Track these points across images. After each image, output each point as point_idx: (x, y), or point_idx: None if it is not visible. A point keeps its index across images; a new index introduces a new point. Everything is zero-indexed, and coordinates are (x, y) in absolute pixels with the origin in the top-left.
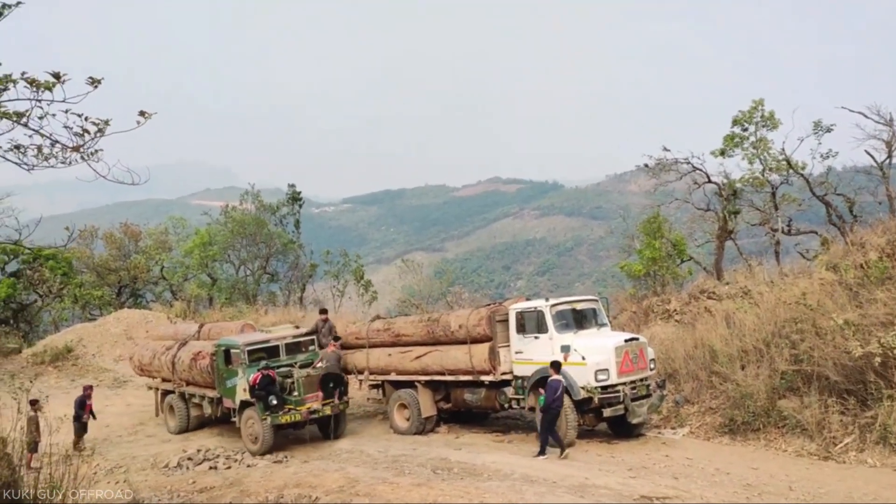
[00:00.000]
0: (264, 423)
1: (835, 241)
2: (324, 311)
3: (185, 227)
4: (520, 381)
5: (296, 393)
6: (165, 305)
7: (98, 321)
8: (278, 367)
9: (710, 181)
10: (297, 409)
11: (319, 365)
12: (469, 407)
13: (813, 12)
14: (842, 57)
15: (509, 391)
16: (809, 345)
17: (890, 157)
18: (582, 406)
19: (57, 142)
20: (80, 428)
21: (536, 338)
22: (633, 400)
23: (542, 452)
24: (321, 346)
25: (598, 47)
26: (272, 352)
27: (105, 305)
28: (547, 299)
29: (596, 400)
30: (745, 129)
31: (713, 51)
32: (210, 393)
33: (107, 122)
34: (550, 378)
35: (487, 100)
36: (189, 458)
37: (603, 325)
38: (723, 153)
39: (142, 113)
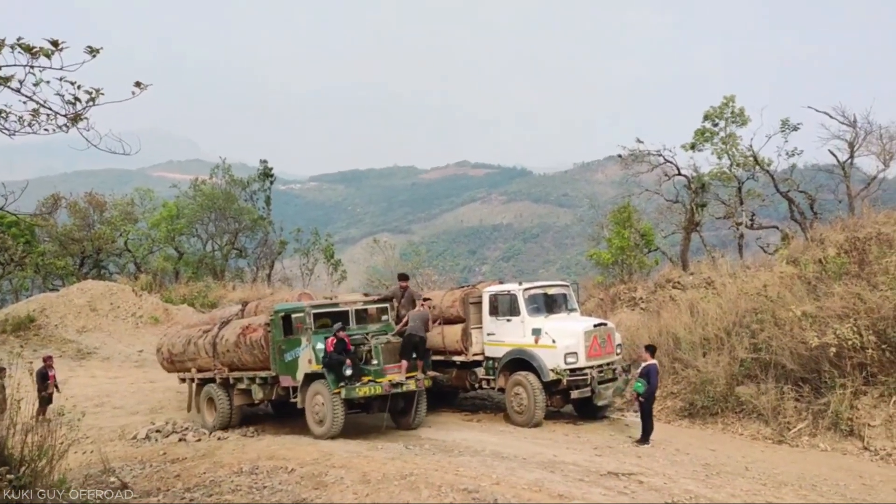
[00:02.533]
0: (335, 399)
1: (795, 236)
2: (404, 277)
3: (153, 199)
4: (491, 362)
5: (375, 362)
6: (129, 278)
7: (61, 291)
8: (349, 336)
9: (679, 174)
10: (377, 381)
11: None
12: (439, 386)
13: (788, 11)
14: (811, 56)
15: (480, 372)
16: (768, 334)
17: (852, 157)
18: (550, 388)
19: (50, 109)
20: (45, 400)
21: (509, 320)
22: (600, 383)
23: (645, 440)
24: (398, 318)
25: (571, 35)
26: (340, 319)
27: (67, 276)
28: (520, 283)
29: (564, 382)
30: (716, 125)
31: (692, 44)
32: (262, 373)
33: (99, 91)
34: (649, 363)
35: (458, 84)
36: (157, 431)
37: (573, 310)
38: (693, 147)
39: (137, 84)
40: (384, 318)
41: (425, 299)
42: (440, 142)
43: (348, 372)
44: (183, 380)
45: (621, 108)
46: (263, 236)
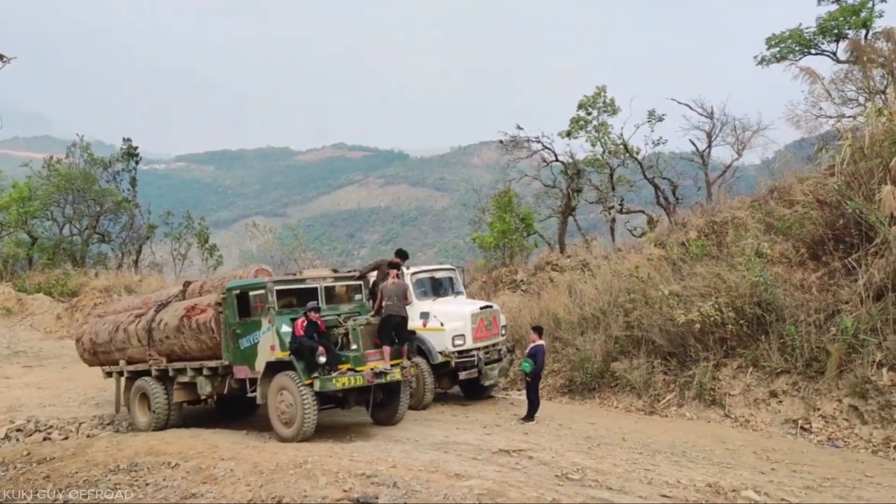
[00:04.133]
0: (306, 393)
1: (660, 220)
2: (403, 255)
3: (1, 179)
4: None
5: (354, 346)
6: None
7: None
8: (321, 318)
9: (557, 160)
10: (357, 369)
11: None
12: None
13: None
14: (676, 50)
15: None
16: (640, 313)
17: (710, 146)
18: (438, 370)
19: None
20: None
21: None
22: (486, 364)
23: (530, 417)
24: (373, 295)
25: (449, 19)
26: (307, 297)
27: None
28: (408, 267)
29: (452, 364)
30: (589, 114)
31: (573, 31)
32: (211, 363)
33: None
34: (537, 344)
35: (333, 65)
36: (18, 430)
37: (459, 293)
38: (569, 134)
39: (0, 57)
40: (357, 297)
41: (391, 265)
42: (316, 123)
43: (322, 359)
44: (109, 374)
45: (498, 94)
46: (129, 220)
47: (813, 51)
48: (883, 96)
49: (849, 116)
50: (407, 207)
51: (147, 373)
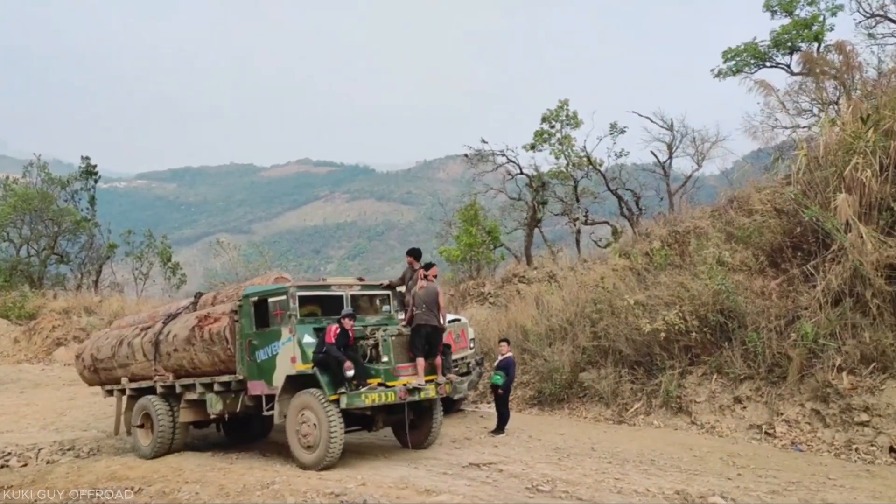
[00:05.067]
0: (331, 411)
1: (624, 231)
2: (415, 253)
3: None
4: None
5: (385, 359)
6: None
7: None
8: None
9: (521, 173)
10: (388, 384)
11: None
12: None
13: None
14: (636, 62)
15: None
16: (606, 323)
17: (671, 157)
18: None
19: None
20: None
21: None
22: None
23: (500, 430)
24: (404, 306)
25: (413, 35)
26: (331, 306)
27: None
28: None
29: None
30: (553, 127)
31: (533, 47)
32: (223, 377)
33: None
34: (507, 356)
35: (298, 79)
36: None
37: None
38: (533, 147)
39: None
40: (385, 308)
41: (427, 266)
42: (280, 139)
43: (350, 373)
44: (110, 392)
45: (463, 108)
46: (88, 239)
47: (768, 63)
48: (836, 107)
49: (803, 127)
50: (374, 222)
51: (151, 390)
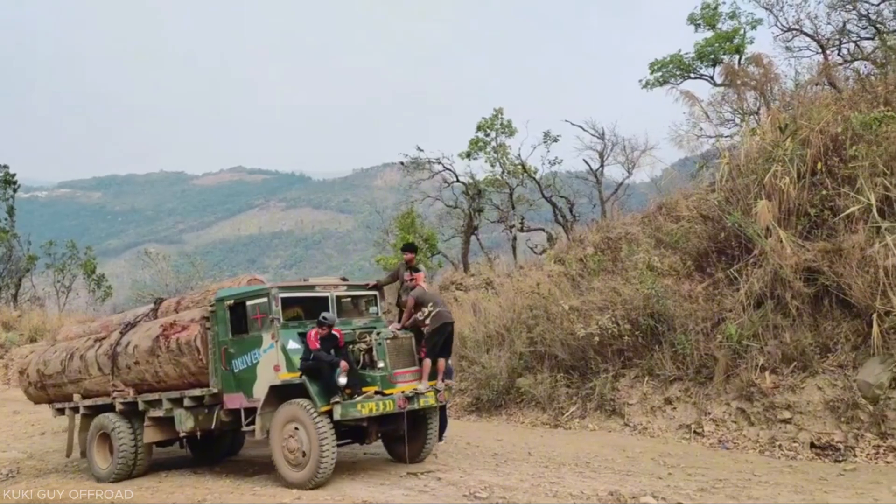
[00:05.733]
0: (322, 424)
1: (559, 237)
2: (411, 248)
3: None
4: None
5: (381, 364)
6: None
7: None
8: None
9: (458, 181)
10: (385, 392)
11: (427, 311)
12: None
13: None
14: (568, 72)
15: None
16: (542, 328)
17: (602, 165)
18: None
19: None
20: None
21: None
22: None
23: (439, 438)
24: (399, 309)
25: (348, 39)
26: (315, 308)
27: None
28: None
29: None
30: (488, 135)
31: (469, 57)
32: (194, 391)
33: None
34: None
35: (230, 85)
36: None
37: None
38: (469, 155)
39: None
40: (372, 309)
41: (414, 269)
42: (212, 146)
43: (343, 380)
44: (61, 411)
45: (400, 116)
46: (6, 252)
47: (692, 75)
48: (756, 117)
49: (726, 136)
50: (311, 231)
51: (109, 408)
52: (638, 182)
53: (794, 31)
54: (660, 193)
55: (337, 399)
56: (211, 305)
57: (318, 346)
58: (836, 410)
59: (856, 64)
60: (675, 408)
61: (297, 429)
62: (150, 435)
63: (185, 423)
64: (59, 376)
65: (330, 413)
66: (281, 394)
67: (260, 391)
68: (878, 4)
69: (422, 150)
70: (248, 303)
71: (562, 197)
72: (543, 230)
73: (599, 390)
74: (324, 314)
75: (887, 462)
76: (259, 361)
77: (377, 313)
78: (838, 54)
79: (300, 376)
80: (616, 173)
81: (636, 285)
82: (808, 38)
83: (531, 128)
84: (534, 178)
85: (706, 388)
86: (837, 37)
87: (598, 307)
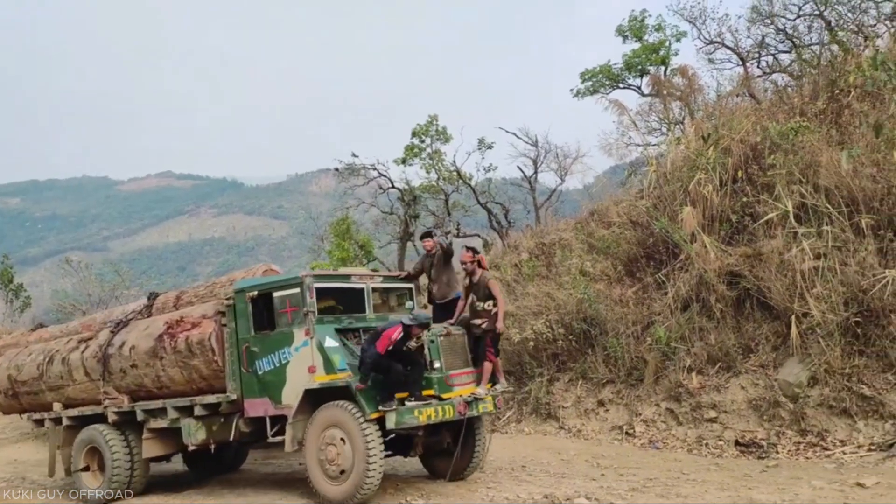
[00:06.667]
0: (370, 433)
1: (494, 243)
2: (428, 235)
3: None
4: None
5: (437, 365)
6: None
7: None
8: (365, 328)
9: (393, 187)
10: (443, 396)
11: (485, 306)
12: None
13: (484, 37)
14: (502, 79)
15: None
16: None
17: (536, 172)
18: None
19: None
20: None
21: None
22: None
23: None
24: (430, 299)
25: (277, 44)
26: (349, 301)
27: None
28: None
29: None
30: (423, 142)
31: (402, 62)
32: (207, 398)
33: None
34: None
35: (150, 86)
36: None
37: None
38: (404, 161)
39: None
40: (409, 304)
41: (469, 247)
42: (138, 150)
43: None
44: (40, 423)
45: (336, 121)
46: None
47: (621, 85)
48: (681, 126)
49: (654, 144)
50: (243, 237)
51: (99, 418)
52: (571, 189)
53: (716, 44)
54: (591, 200)
55: (393, 405)
56: (228, 298)
57: (394, 342)
58: (758, 409)
59: (774, 76)
60: (607, 410)
61: (342, 439)
62: (150, 449)
63: (195, 434)
64: (35, 382)
65: (379, 420)
66: (316, 398)
67: (291, 396)
68: (795, 20)
69: (357, 157)
70: (276, 294)
71: (497, 203)
72: (479, 236)
73: (535, 394)
74: (414, 312)
75: (807, 458)
76: (289, 361)
77: (413, 307)
78: (758, 66)
79: (367, 382)
80: (549, 180)
81: (569, 290)
82: (729, 51)
83: (466, 135)
84: (469, 185)
85: (637, 390)
86: (757, 50)
87: (532, 312)
